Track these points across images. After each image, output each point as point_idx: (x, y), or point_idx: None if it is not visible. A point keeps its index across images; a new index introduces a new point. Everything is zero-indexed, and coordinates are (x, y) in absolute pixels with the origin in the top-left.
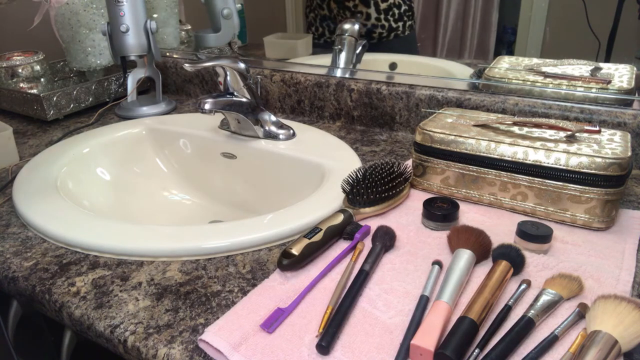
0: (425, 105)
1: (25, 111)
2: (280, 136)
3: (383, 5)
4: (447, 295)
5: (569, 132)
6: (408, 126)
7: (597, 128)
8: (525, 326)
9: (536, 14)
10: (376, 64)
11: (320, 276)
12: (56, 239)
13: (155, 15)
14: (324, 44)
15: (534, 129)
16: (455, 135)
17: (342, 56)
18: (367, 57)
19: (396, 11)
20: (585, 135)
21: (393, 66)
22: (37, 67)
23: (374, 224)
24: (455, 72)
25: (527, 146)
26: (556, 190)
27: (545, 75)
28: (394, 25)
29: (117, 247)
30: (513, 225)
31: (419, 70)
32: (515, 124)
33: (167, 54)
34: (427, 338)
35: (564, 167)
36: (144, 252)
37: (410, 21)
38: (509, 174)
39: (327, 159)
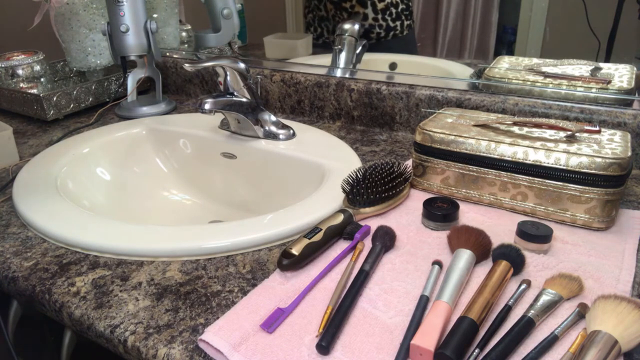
0: (425, 105)
1: (25, 111)
2: (280, 136)
3: (380, 5)
4: (447, 295)
5: (569, 132)
6: (408, 126)
7: (597, 128)
8: (525, 326)
9: (536, 14)
10: (376, 64)
11: (320, 276)
12: (56, 239)
13: (155, 15)
14: (323, 44)
15: (534, 129)
16: (455, 135)
17: (342, 56)
18: (367, 57)
19: (393, 11)
20: (585, 135)
21: (393, 66)
22: (37, 67)
23: (374, 224)
24: (455, 72)
25: (527, 146)
26: (556, 190)
27: (545, 75)
28: (391, 25)
29: (117, 247)
30: (513, 225)
31: (419, 70)
32: (515, 124)
33: (167, 54)
34: (427, 338)
35: (564, 167)
36: (144, 252)
37: (409, 21)
38: (509, 174)
39: (327, 159)
